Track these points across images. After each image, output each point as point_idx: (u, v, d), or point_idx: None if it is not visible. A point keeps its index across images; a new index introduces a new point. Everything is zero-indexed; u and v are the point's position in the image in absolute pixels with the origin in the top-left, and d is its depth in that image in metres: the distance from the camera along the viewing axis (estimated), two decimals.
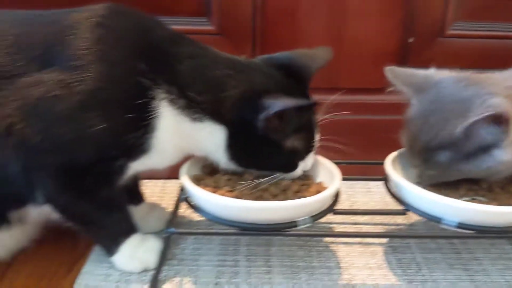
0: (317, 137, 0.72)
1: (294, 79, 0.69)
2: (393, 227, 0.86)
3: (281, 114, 0.64)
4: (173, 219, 0.67)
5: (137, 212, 0.75)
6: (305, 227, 0.65)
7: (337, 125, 0.70)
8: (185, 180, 0.68)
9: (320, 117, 0.72)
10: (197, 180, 0.71)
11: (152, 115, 0.63)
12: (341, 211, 0.81)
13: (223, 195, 0.66)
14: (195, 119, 0.66)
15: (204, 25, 0.96)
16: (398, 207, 0.74)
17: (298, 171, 0.71)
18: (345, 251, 0.78)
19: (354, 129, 0.99)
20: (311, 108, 0.70)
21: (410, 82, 0.71)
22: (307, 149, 0.71)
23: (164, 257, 0.68)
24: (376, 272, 0.73)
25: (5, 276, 0.71)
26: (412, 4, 0.97)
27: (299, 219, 0.64)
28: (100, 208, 0.67)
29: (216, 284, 0.70)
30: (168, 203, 0.90)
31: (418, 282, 0.71)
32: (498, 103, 0.62)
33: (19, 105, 0.60)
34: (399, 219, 0.87)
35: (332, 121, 0.71)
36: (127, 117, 0.62)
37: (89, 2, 0.65)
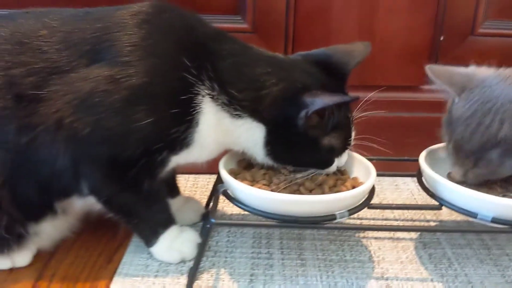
0: (353, 134, 0.73)
1: (332, 75, 0.70)
2: (423, 223, 0.87)
3: (321, 111, 0.65)
4: (213, 210, 0.69)
5: (173, 205, 0.76)
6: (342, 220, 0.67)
7: (368, 123, 0.71)
8: (224, 174, 0.70)
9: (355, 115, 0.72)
10: (234, 174, 0.73)
11: (195, 110, 0.65)
12: (376, 205, 0.83)
13: (259, 188, 0.67)
14: (235, 116, 0.67)
15: (238, 23, 0.97)
16: (429, 203, 0.75)
17: (334, 167, 0.72)
18: (376, 246, 0.79)
19: (383, 126, 0.99)
20: (348, 105, 0.71)
21: (453, 81, 0.72)
22: (344, 146, 0.72)
23: (203, 248, 0.69)
24: (408, 267, 0.74)
25: (48, 266, 0.73)
26: (443, 2, 0.98)
27: (337, 212, 0.65)
28: (143, 199, 0.69)
29: (251, 275, 0.71)
30: (200, 197, 0.92)
31: (449, 276, 0.72)
32: None
33: (69, 100, 0.62)
34: (429, 215, 0.88)
35: (364, 119, 0.72)
36: (172, 112, 0.63)
37: (132, 1, 0.67)
